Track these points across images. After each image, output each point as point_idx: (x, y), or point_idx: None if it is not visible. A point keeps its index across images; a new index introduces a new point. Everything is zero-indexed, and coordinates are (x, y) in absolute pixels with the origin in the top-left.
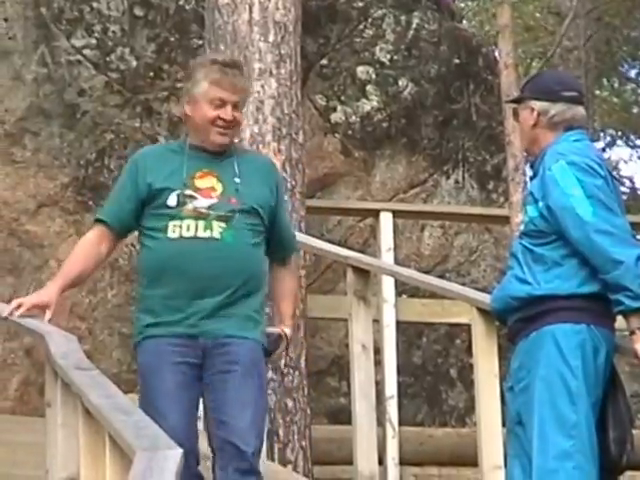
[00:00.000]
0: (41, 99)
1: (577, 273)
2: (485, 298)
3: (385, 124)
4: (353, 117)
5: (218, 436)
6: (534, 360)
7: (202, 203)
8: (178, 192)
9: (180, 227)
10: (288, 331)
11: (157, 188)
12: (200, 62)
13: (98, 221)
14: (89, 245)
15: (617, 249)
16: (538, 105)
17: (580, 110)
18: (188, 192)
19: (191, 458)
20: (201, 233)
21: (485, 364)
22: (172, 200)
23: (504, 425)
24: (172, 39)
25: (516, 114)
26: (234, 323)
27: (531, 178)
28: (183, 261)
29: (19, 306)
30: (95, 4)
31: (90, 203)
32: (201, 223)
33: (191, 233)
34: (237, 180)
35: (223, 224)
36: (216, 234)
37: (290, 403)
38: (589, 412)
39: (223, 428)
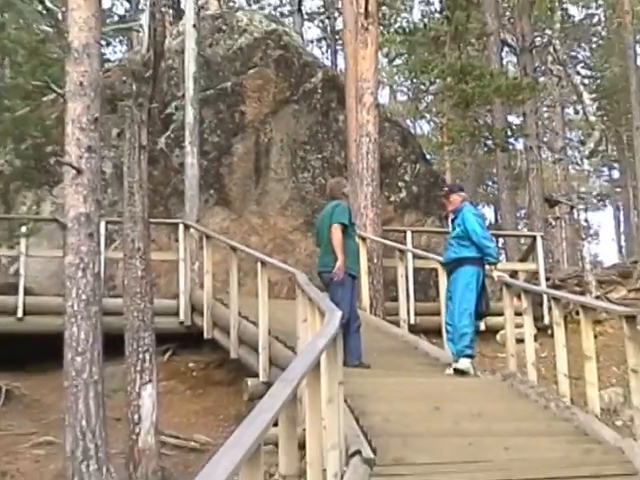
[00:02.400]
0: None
1: (473, 249)
2: (441, 259)
3: (411, 201)
4: (397, 200)
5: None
6: (457, 280)
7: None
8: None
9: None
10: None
11: (353, 222)
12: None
13: (343, 225)
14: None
15: (488, 243)
16: (460, 194)
17: (466, 195)
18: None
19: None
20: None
21: (442, 282)
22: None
23: (449, 299)
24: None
25: (447, 198)
26: None
27: (453, 219)
28: (359, 252)
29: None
30: None
31: (308, 233)
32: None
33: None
34: None
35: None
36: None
37: (377, 295)
38: (475, 295)
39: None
